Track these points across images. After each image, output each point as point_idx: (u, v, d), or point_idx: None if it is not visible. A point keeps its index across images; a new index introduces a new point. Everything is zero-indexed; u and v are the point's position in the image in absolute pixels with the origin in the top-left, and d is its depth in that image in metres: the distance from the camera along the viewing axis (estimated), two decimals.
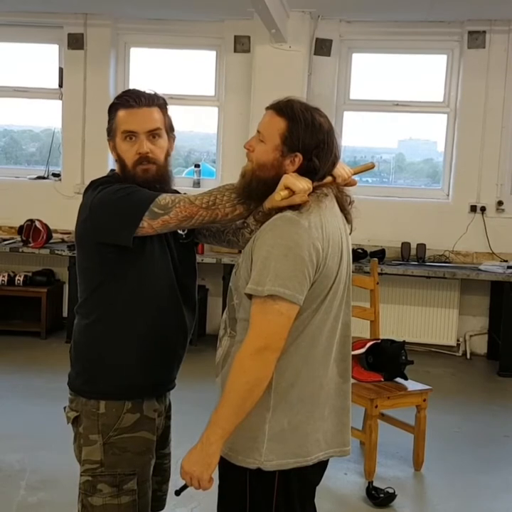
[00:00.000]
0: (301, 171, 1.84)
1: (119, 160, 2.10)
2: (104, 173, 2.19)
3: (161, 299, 2.07)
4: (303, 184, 1.81)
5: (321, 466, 1.95)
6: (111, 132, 2.11)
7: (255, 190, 1.89)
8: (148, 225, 1.94)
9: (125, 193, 1.99)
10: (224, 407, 1.76)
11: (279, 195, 1.79)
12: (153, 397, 2.11)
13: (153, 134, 2.07)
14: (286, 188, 1.80)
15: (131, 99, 2.07)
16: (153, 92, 2.13)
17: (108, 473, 2.03)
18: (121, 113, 2.07)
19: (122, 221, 1.96)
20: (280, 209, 1.82)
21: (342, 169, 1.95)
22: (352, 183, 1.99)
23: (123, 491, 2.03)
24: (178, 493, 1.95)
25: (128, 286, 2.04)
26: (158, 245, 2.06)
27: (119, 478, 2.03)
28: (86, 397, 2.07)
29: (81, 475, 2.08)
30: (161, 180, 2.08)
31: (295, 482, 1.86)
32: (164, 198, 1.96)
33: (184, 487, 1.90)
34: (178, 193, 2.18)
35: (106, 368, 2.06)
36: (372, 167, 2.20)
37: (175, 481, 2.26)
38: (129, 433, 2.05)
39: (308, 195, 1.82)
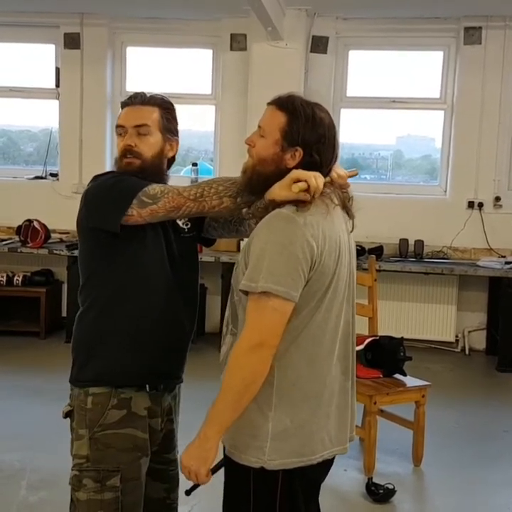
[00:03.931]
0: (302, 167, 1.83)
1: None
2: (102, 172, 2.23)
3: (151, 288, 2.09)
4: (313, 174, 1.79)
5: (326, 465, 1.95)
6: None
7: (256, 185, 1.89)
8: (137, 214, 1.99)
9: (116, 180, 2.06)
10: (221, 403, 1.77)
11: (296, 187, 1.77)
12: (144, 393, 2.10)
13: (139, 130, 2.12)
14: (298, 180, 1.78)
15: (129, 98, 2.19)
16: (159, 95, 2.20)
17: (93, 468, 2.05)
18: (122, 111, 2.19)
19: (111, 207, 2.01)
20: (277, 204, 1.82)
21: (338, 170, 1.95)
22: (347, 185, 1.98)
23: (106, 487, 2.04)
24: (188, 492, 1.95)
25: (118, 273, 2.08)
26: (151, 236, 2.09)
27: (102, 473, 2.04)
28: (78, 387, 2.10)
29: (71, 469, 2.10)
30: (144, 176, 2.09)
31: (299, 481, 1.86)
32: (153, 188, 2.01)
33: (194, 487, 1.91)
34: None
35: (94, 354, 2.09)
36: (356, 174, 2.21)
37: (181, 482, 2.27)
38: (114, 429, 2.06)
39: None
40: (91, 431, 2.06)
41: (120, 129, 2.15)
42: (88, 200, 2.08)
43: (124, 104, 2.19)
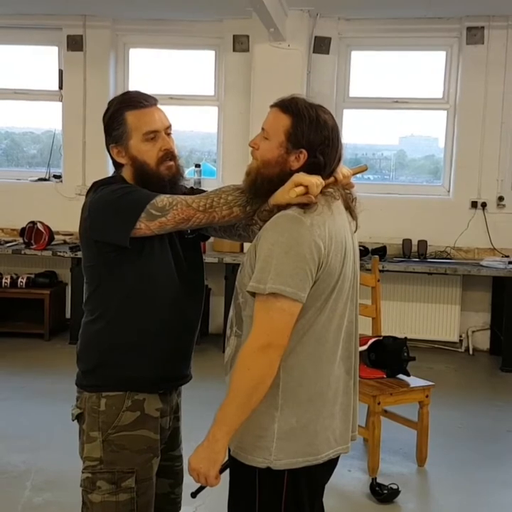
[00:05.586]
0: (306, 168, 1.83)
1: (135, 163, 2.07)
2: (105, 174, 2.21)
3: (161, 296, 2.08)
4: (315, 179, 1.80)
5: (331, 465, 1.95)
6: (123, 137, 2.07)
7: (260, 187, 1.89)
8: (145, 226, 1.96)
9: (123, 193, 2.00)
10: (229, 405, 1.77)
11: (293, 192, 1.78)
12: (155, 394, 2.11)
13: (167, 131, 2.10)
14: (298, 185, 1.79)
15: (141, 99, 2.08)
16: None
17: (107, 470, 2.05)
18: (134, 115, 2.05)
19: (119, 221, 1.97)
20: (283, 207, 1.82)
21: (342, 169, 1.95)
22: (351, 185, 1.98)
23: (121, 488, 2.04)
24: (194, 495, 1.94)
25: (127, 283, 2.05)
26: (158, 243, 2.07)
27: (117, 475, 2.04)
28: (88, 391, 2.09)
29: (82, 472, 2.09)
30: (182, 176, 2.11)
31: (304, 481, 1.86)
32: (162, 200, 1.97)
33: (200, 489, 1.90)
34: (199, 191, 2.18)
35: (103, 364, 2.08)
36: (366, 169, 2.20)
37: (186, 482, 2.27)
38: (128, 431, 2.05)
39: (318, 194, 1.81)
40: (104, 433, 2.05)
41: (153, 134, 2.04)
42: (93, 213, 2.02)
43: (134, 107, 2.05)
